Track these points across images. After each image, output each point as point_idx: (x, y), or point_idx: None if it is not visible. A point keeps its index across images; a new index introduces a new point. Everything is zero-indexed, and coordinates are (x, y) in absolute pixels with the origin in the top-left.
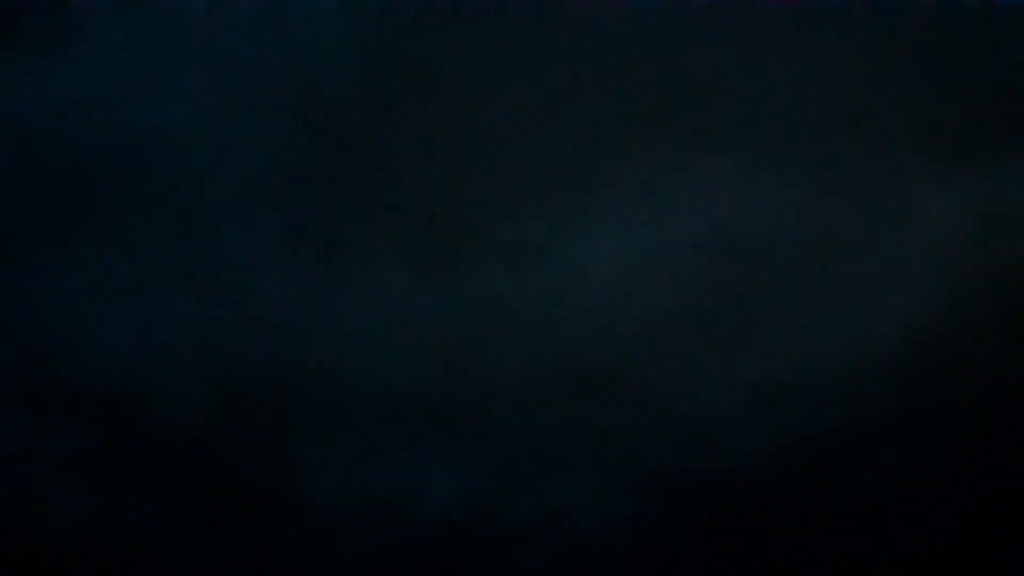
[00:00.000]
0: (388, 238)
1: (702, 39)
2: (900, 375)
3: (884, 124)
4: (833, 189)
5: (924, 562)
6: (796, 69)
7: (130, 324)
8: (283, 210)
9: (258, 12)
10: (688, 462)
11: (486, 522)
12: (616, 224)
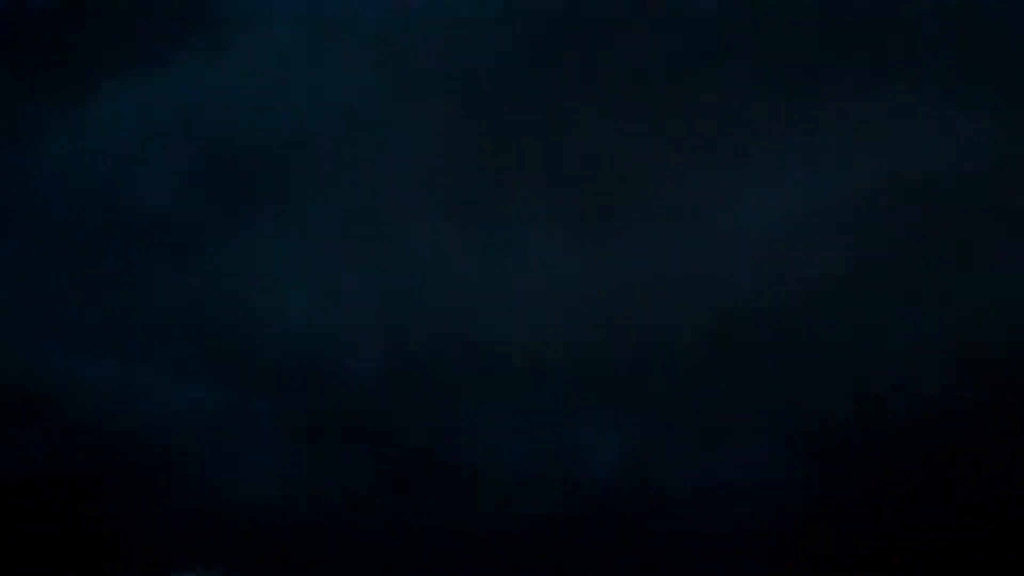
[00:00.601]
0: (544, 206)
1: None
2: None
3: None
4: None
5: None
6: None
7: (309, 299)
8: (443, 185)
9: None
10: (856, 423)
11: (648, 483)
12: (781, 172)
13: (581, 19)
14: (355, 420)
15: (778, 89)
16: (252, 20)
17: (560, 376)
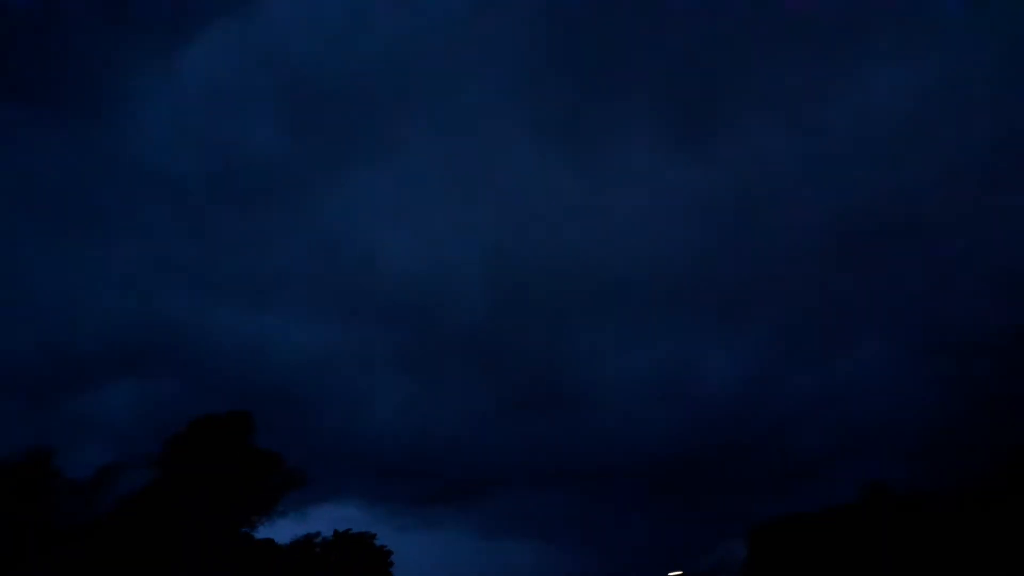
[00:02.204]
0: (640, 112)
1: None
2: None
3: None
4: None
5: None
6: None
7: (419, 235)
8: (535, 102)
9: None
10: (992, 321)
11: (772, 393)
12: (904, 53)
13: None
14: (471, 349)
15: None
16: None
17: (677, 291)
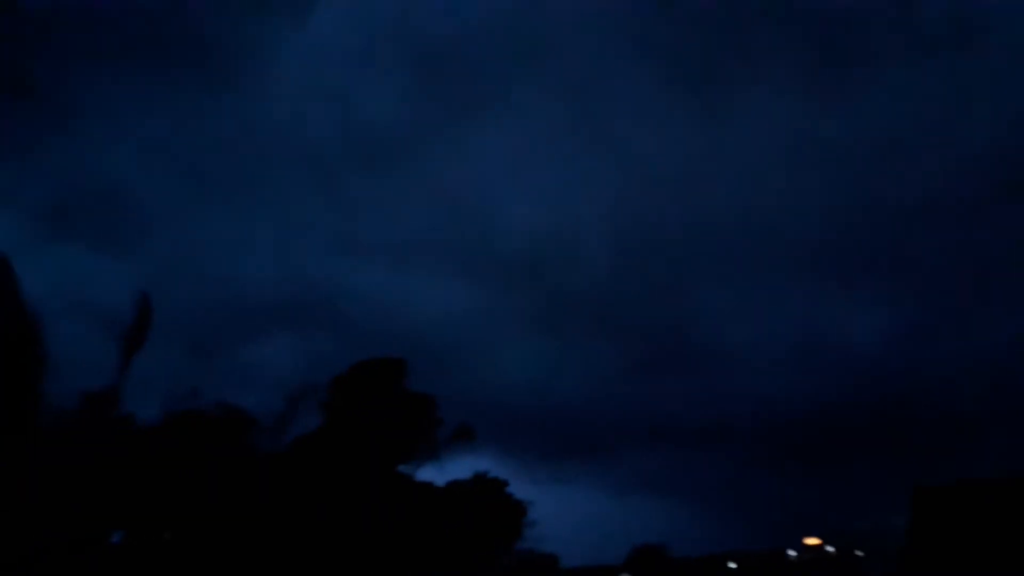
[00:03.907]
0: (769, 59)
1: None
2: None
3: None
4: None
5: None
6: None
7: (542, 196)
8: (659, 54)
9: None
10: None
11: (916, 356)
12: None
13: None
14: (596, 307)
15: None
16: None
17: (810, 245)
